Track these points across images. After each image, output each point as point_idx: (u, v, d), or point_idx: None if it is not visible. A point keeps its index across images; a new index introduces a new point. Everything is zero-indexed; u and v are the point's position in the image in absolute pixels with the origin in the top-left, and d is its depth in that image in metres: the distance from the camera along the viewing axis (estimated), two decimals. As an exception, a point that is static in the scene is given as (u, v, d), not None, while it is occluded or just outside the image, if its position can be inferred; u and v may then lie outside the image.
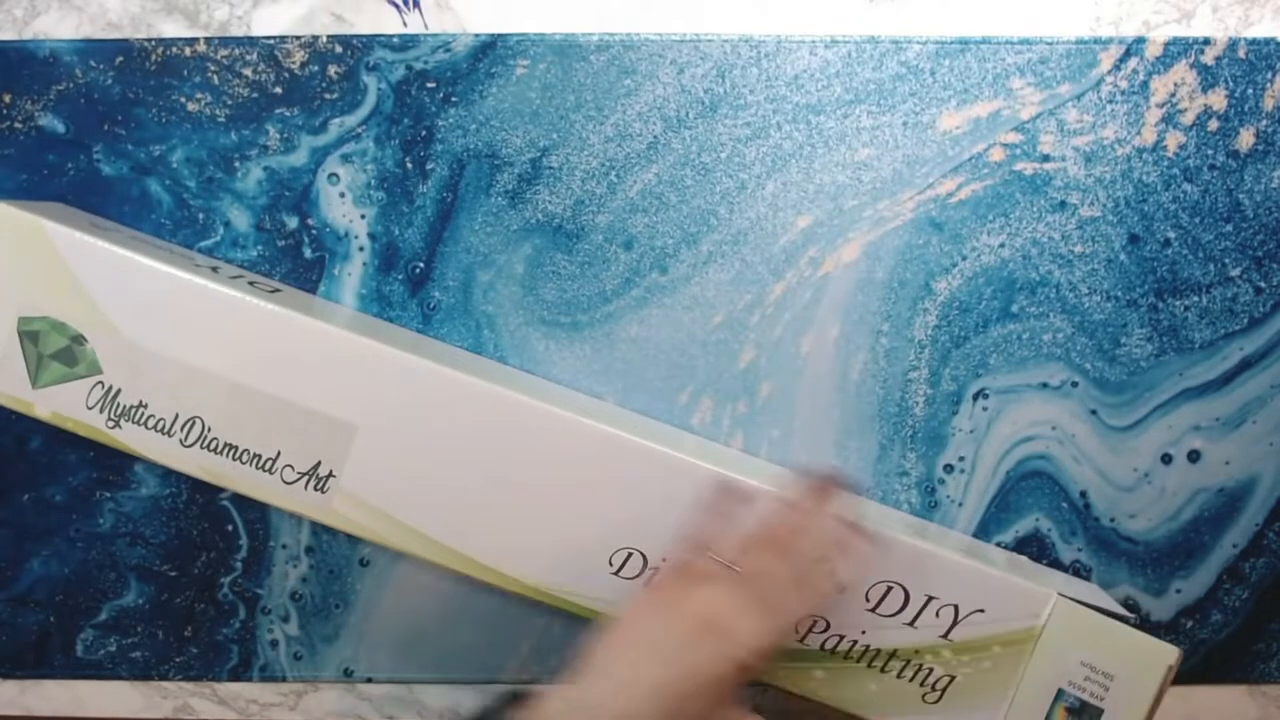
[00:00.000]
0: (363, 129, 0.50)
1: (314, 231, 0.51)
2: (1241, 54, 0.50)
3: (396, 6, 0.51)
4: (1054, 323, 0.51)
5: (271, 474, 0.45)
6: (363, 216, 0.51)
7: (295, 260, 0.51)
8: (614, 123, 0.50)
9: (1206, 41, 0.50)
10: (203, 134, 0.50)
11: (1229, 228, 0.51)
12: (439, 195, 0.50)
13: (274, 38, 0.50)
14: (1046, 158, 0.50)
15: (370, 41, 0.50)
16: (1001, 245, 0.51)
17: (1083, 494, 0.51)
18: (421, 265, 0.51)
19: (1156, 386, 0.51)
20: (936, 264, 0.51)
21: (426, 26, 0.51)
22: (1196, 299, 0.51)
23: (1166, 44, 0.50)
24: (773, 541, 0.41)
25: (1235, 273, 0.51)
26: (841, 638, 0.44)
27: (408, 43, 0.50)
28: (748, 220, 0.51)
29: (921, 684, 0.44)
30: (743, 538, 0.41)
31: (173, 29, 0.51)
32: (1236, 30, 0.51)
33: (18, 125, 0.50)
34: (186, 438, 0.45)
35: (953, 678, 0.44)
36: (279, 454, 0.45)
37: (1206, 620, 0.52)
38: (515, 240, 0.51)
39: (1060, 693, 0.43)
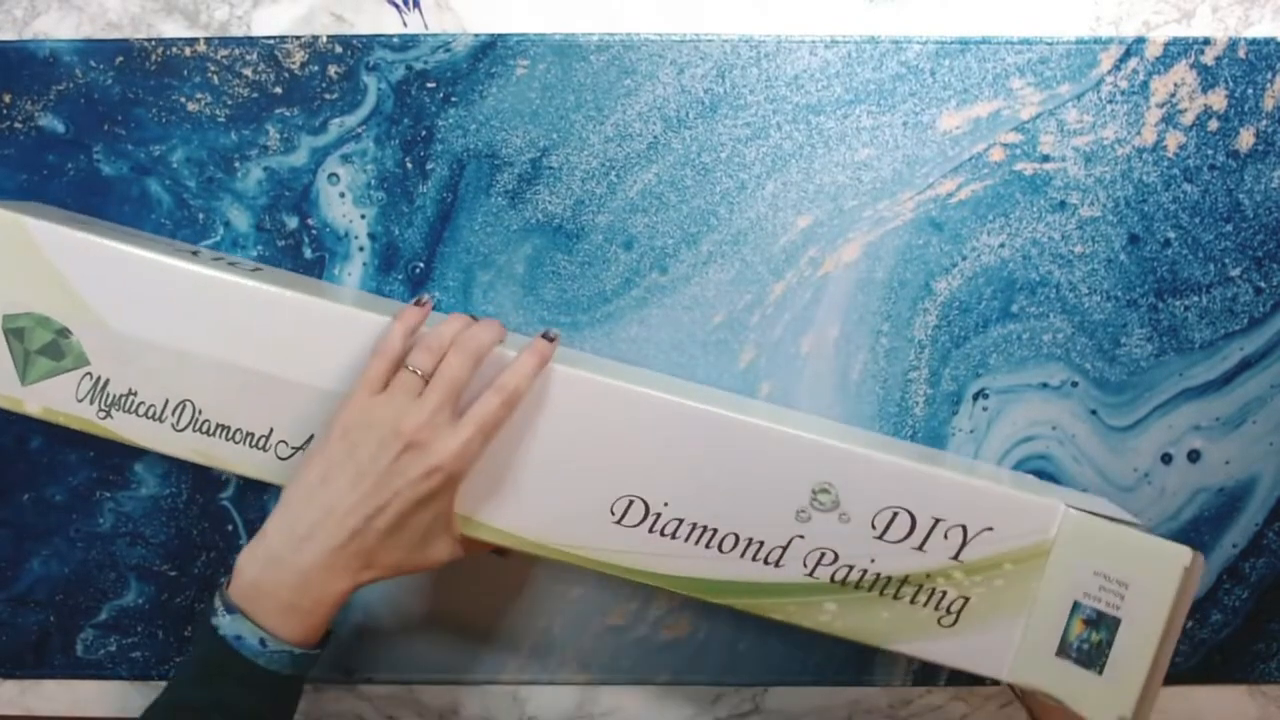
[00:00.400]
0: (363, 129, 0.50)
1: (314, 231, 0.51)
2: (1241, 54, 0.50)
3: (396, 6, 0.51)
4: (1054, 323, 0.51)
5: (266, 451, 0.45)
6: (363, 216, 0.51)
7: (295, 260, 0.51)
8: (614, 123, 0.50)
9: (1206, 41, 0.50)
10: (203, 134, 0.50)
11: (1229, 228, 0.51)
12: (439, 195, 0.50)
13: (274, 38, 0.50)
14: (1046, 158, 0.50)
15: (370, 41, 0.50)
16: (1001, 245, 0.51)
17: (1083, 493, 0.51)
18: (421, 265, 0.51)
19: (1156, 386, 0.51)
20: (936, 264, 0.51)
21: (426, 26, 0.51)
22: (1196, 299, 0.51)
23: (1166, 44, 0.50)
24: (454, 346, 0.42)
25: (1235, 273, 0.51)
26: (850, 568, 0.43)
27: (408, 43, 0.50)
28: (748, 220, 0.51)
29: (935, 608, 0.44)
30: (422, 345, 0.42)
31: (173, 29, 0.51)
32: (1236, 30, 0.51)
33: (18, 125, 0.50)
34: (179, 422, 0.45)
35: (966, 599, 0.43)
36: (271, 430, 0.45)
37: (1206, 620, 0.52)
38: (515, 240, 0.51)
39: (1076, 605, 0.42)
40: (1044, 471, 0.51)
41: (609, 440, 0.44)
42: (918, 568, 0.43)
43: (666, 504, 0.44)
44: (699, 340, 0.51)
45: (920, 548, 0.43)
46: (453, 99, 0.50)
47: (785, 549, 0.43)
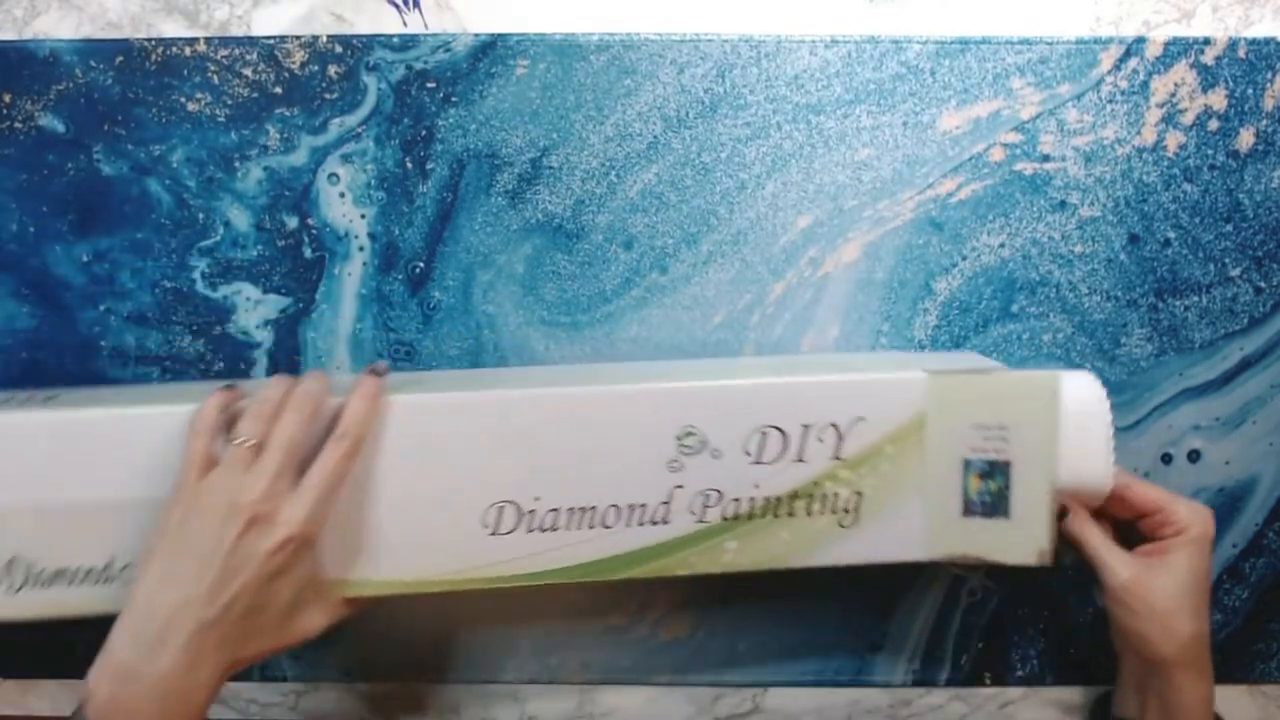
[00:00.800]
0: (363, 129, 0.50)
1: (314, 231, 0.51)
2: (1241, 54, 0.50)
3: (396, 6, 0.51)
4: (1054, 323, 0.51)
5: (112, 582, 0.42)
6: (363, 216, 0.51)
7: (295, 260, 0.51)
8: (614, 123, 0.50)
9: (1206, 41, 0.50)
10: (203, 134, 0.50)
11: (1229, 228, 0.51)
12: (439, 195, 0.50)
13: (274, 38, 0.50)
14: (1046, 158, 0.50)
15: (370, 41, 0.50)
16: (1001, 245, 0.51)
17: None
18: (421, 265, 0.51)
19: (1156, 386, 0.51)
20: (936, 264, 0.51)
21: (426, 26, 0.51)
22: (1196, 299, 0.51)
23: (1166, 44, 0.50)
24: (287, 406, 0.40)
25: (1235, 273, 0.51)
26: (738, 500, 0.43)
27: (408, 43, 0.50)
28: (748, 220, 0.51)
29: (832, 512, 0.43)
30: (249, 414, 0.40)
31: (173, 29, 0.51)
32: (1236, 30, 0.51)
33: (18, 125, 0.50)
34: (14, 584, 0.42)
35: (859, 494, 0.43)
36: (112, 558, 0.42)
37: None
38: (515, 240, 0.51)
39: (967, 463, 0.42)
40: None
41: (461, 454, 0.42)
42: (803, 479, 0.43)
43: (538, 498, 0.42)
44: (699, 340, 0.51)
45: (799, 459, 0.42)
46: (453, 99, 0.50)
47: (669, 504, 0.43)
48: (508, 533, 0.42)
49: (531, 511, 0.42)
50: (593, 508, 0.42)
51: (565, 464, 0.42)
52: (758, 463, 0.43)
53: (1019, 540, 0.42)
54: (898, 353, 0.50)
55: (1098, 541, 0.44)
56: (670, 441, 0.42)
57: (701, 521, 0.43)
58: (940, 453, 0.43)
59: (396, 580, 0.42)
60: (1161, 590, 0.43)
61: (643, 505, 0.43)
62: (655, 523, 0.43)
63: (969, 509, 0.43)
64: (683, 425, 0.42)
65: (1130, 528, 0.45)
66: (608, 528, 0.43)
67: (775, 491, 0.43)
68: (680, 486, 0.43)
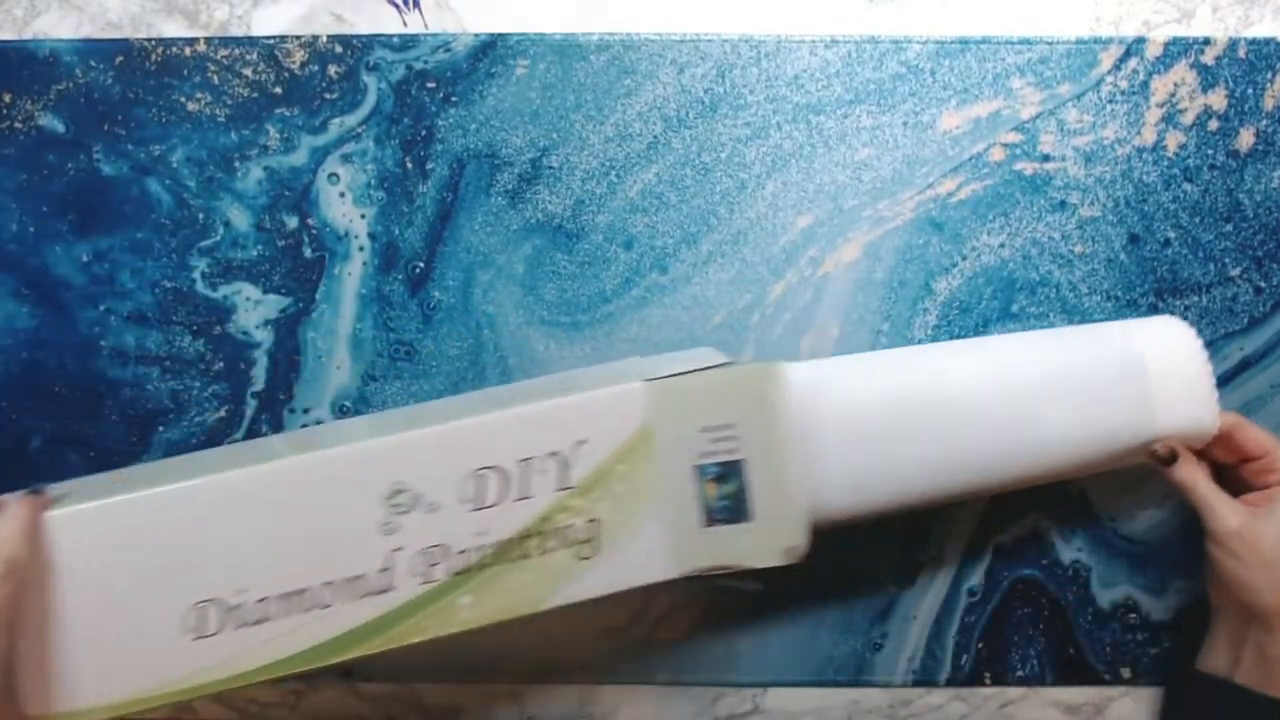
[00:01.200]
0: (363, 129, 0.50)
1: (314, 231, 0.51)
2: (1241, 54, 0.50)
3: (396, 6, 0.51)
4: (1054, 323, 0.51)
5: None
6: (363, 216, 0.51)
7: (295, 260, 0.51)
8: (614, 123, 0.50)
9: (1206, 41, 0.50)
10: (203, 134, 0.50)
11: (1229, 228, 0.51)
12: (439, 195, 0.50)
13: (274, 38, 0.50)
14: (1046, 157, 0.50)
15: (370, 41, 0.50)
16: (1001, 245, 0.51)
17: (1082, 494, 0.51)
18: (421, 265, 0.51)
19: (1156, 386, 0.51)
20: (936, 264, 0.51)
21: (426, 26, 0.51)
22: (1196, 299, 0.51)
23: (1166, 44, 0.50)
24: None
25: (1235, 273, 0.51)
26: (464, 553, 0.39)
27: (408, 43, 0.50)
28: (748, 220, 0.51)
29: (570, 545, 0.40)
30: None
31: (173, 29, 0.51)
32: (1236, 30, 0.51)
33: (18, 125, 0.50)
34: None
35: (596, 520, 0.40)
36: None
37: (1207, 620, 0.52)
38: (515, 240, 0.51)
39: (699, 469, 0.40)
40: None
41: (145, 559, 0.38)
42: (532, 516, 0.40)
43: (242, 590, 0.38)
44: (699, 340, 0.51)
45: (524, 496, 0.39)
46: (453, 99, 0.50)
47: (389, 570, 0.39)
48: (214, 634, 0.38)
49: (237, 606, 0.38)
50: (305, 589, 0.38)
51: (265, 548, 0.38)
52: (479, 509, 0.39)
53: (765, 541, 0.40)
54: (632, 360, 0.47)
55: (1206, 488, 0.44)
56: (378, 504, 0.39)
57: (429, 582, 0.39)
58: (670, 463, 0.40)
59: (102, 707, 0.38)
60: (1270, 538, 0.42)
61: (360, 576, 0.39)
62: (378, 592, 0.39)
63: (710, 518, 0.40)
64: (389, 484, 0.39)
65: (1232, 472, 0.45)
66: (326, 607, 0.39)
67: (504, 535, 0.39)
68: (399, 549, 0.39)
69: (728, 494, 0.40)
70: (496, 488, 0.39)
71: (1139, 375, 0.44)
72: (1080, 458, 0.44)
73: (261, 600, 0.38)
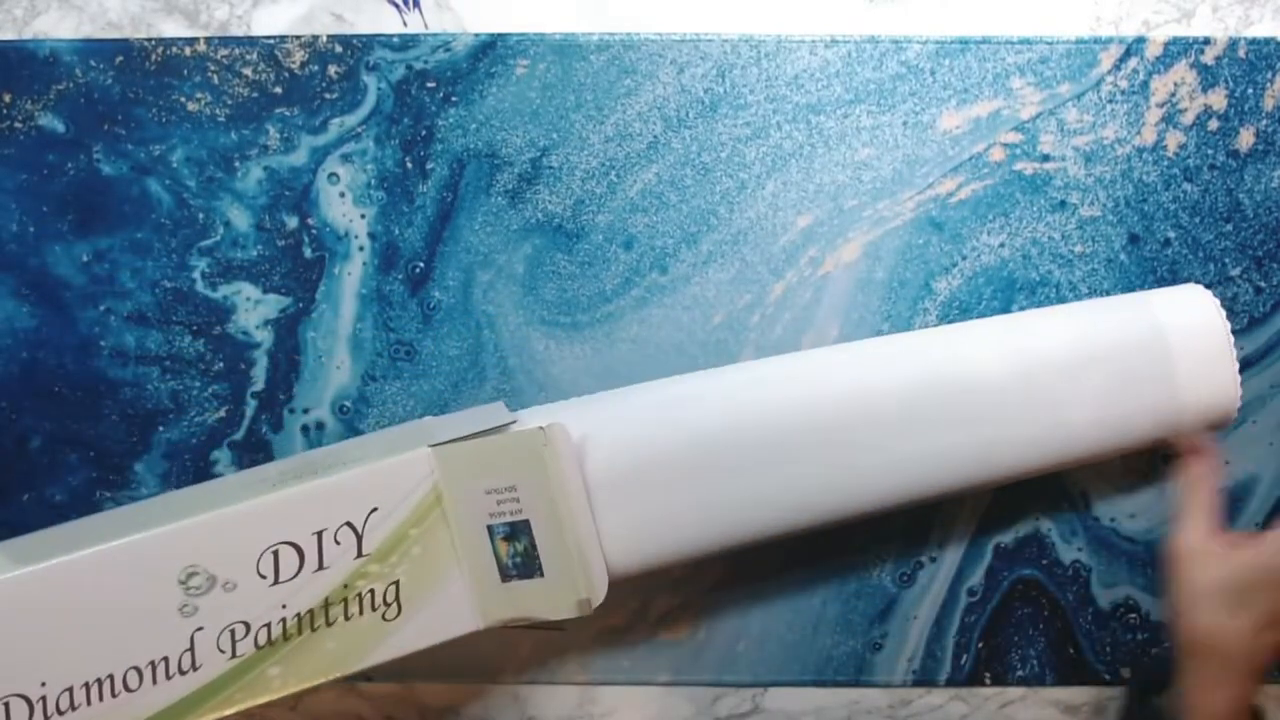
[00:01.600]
0: (363, 129, 0.50)
1: (314, 231, 0.51)
2: (1241, 54, 0.50)
3: (396, 6, 0.51)
4: (1054, 323, 0.51)
5: None
6: (363, 216, 0.51)
7: (295, 260, 0.51)
8: (614, 123, 0.50)
9: (1206, 41, 0.50)
10: (203, 134, 0.50)
11: (1229, 228, 0.51)
12: (439, 195, 0.50)
13: (274, 37, 0.50)
14: (1046, 157, 0.50)
15: (370, 41, 0.50)
16: (1001, 245, 0.51)
17: (1083, 494, 0.51)
18: (421, 265, 0.51)
19: (1156, 386, 0.51)
20: (936, 264, 0.51)
21: (426, 26, 0.51)
22: (1196, 299, 0.51)
23: (1166, 44, 0.50)
24: None
25: (1235, 273, 0.51)
26: (267, 627, 0.40)
27: (408, 42, 0.50)
28: (748, 220, 0.51)
29: (373, 609, 0.41)
30: None
31: (173, 29, 0.51)
32: (1236, 30, 0.51)
33: (18, 125, 0.50)
34: None
35: (396, 583, 0.41)
36: None
37: (1206, 620, 0.52)
38: (515, 240, 0.51)
39: (490, 529, 0.41)
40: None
41: None
42: (332, 585, 0.41)
43: (44, 683, 0.38)
44: (699, 340, 0.51)
45: (321, 567, 0.41)
46: (453, 99, 0.50)
47: (193, 649, 0.39)
48: None
49: (42, 699, 0.38)
50: (109, 676, 0.39)
51: (67, 640, 0.38)
52: (277, 583, 0.40)
53: (558, 594, 0.42)
54: (422, 420, 0.47)
55: (1191, 496, 0.43)
56: (174, 587, 0.39)
57: (235, 657, 0.40)
58: (463, 524, 0.41)
59: None
60: (1211, 577, 0.41)
61: (165, 658, 0.39)
62: (184, 672, 0.39)
63: (505, 574, 0.42)
64: (183, 568, 0.39)
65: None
66: (132, 691, 0.39)
67: (305, 606, 0.40)
68: (200, 629, 0.39)
69: (519, 551, 0.42)
70: (293, 562, 0.40)
71: (1160, 345, 0.43)
72: (1099, 437, 0.44)
73: (66, 690, 0.39)
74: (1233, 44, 0.50)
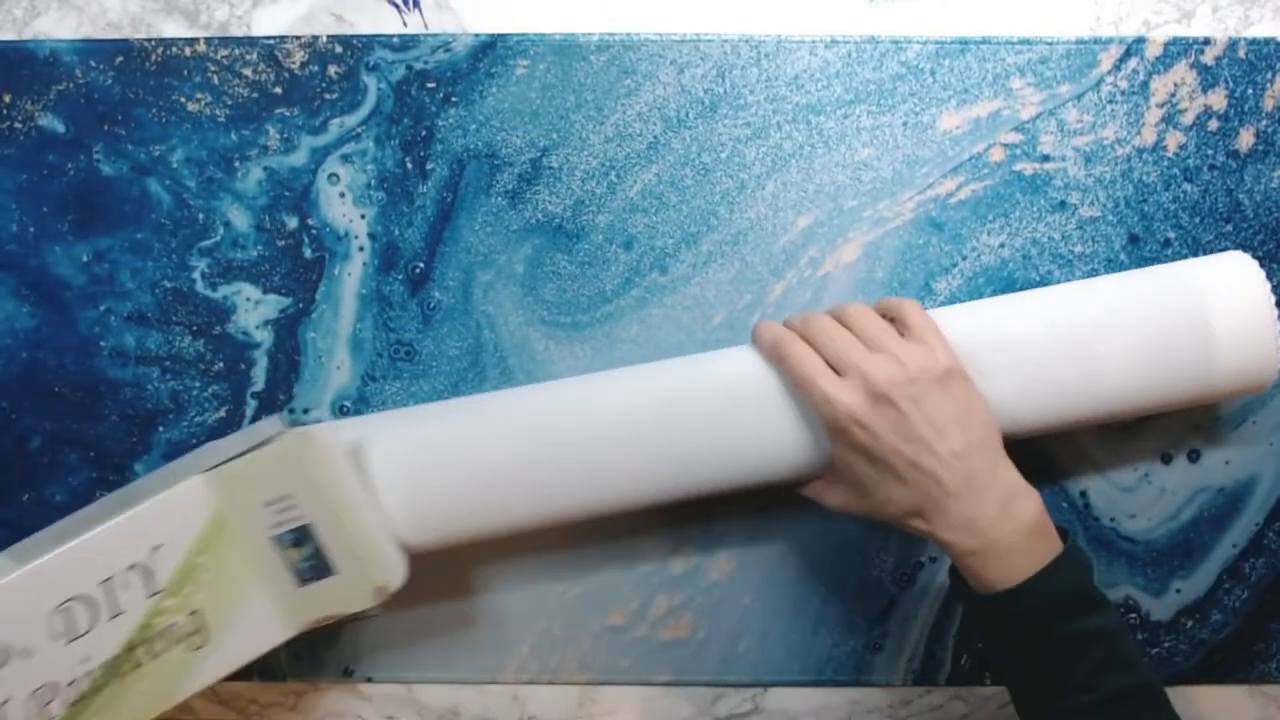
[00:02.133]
0: (363, 129, 0.50)
1: (314, 231, 0.51)
2: (1241, 54, 0.50)
3: (396, 6, 0.51)
4: (1054, 323, 0.51)
5: None
6: (363, 216, 0.51)
7: (295, 260, 0.51)
8: (614, 123, 0.50)
9: (1206, 41, 0.50)
10: (203, 134, 0.50)
11: (1229, 228, 0.51)
12: (439, 195, 0.50)
13: (274, 38, 0.50)
14: (1046, 158, 0.50)
15: (370, 41, 0.50)
16: (1001, 245, 0.51)
17: (1083, 494, 0.51)
18: (421, 265, 0.51)
19: (1156, 386, 0.51)
20: (936, 264, 0.51)
21: (426, 26, 0.51)
22: (1196, 299, 0.51)
23: (1166, 44, 0.50)
24: None
25: (1235, 273, 0.51)
26: (73, 683, 0.40)
27: (408, 43, 0.50)
28: (748, 220, 0.51)
29: (179, 642, 0.42)
30: None
31: (173, 29, 0.51)
32: (1236, 30, 0.51)
33: (18, 125, 0.50)
34: None
35: (196, 612, 0.42)
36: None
37: (1207, 620, 0.52)
38: (515, 240, 0.51)
39: (275, 540, 0.42)
40: (1044, 471, 0.51)
41: None
42: (131, 629, 0.41)
43: None
44: (699, 340, 0.51)
45: (116, 614, 0.41)
46: (453, 99, 0.50)
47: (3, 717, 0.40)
48: None
49: None
50: None
51: None
52: (74, 639, 0.40)
53: (355, 587, 0.42)
54: (202, 449, 0.46)
55: (810, 362, 0.41)
56: None
57: (47, 716, 0.40)
58: (249, 541, 0.42)
59: None
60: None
61: None
62: None
63: (301, 578, 0.43)
64: None
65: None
66: None
67: (108, 655, 0.41)
68: (6, 701, 0.39)
69: (308, 555, 0.43)
70: (86, 615, 0.40)
71: (1199, 311, 0.44)
72: (1136, 394, 0.44)
73: None
74: (1233, 44, 0.50)
